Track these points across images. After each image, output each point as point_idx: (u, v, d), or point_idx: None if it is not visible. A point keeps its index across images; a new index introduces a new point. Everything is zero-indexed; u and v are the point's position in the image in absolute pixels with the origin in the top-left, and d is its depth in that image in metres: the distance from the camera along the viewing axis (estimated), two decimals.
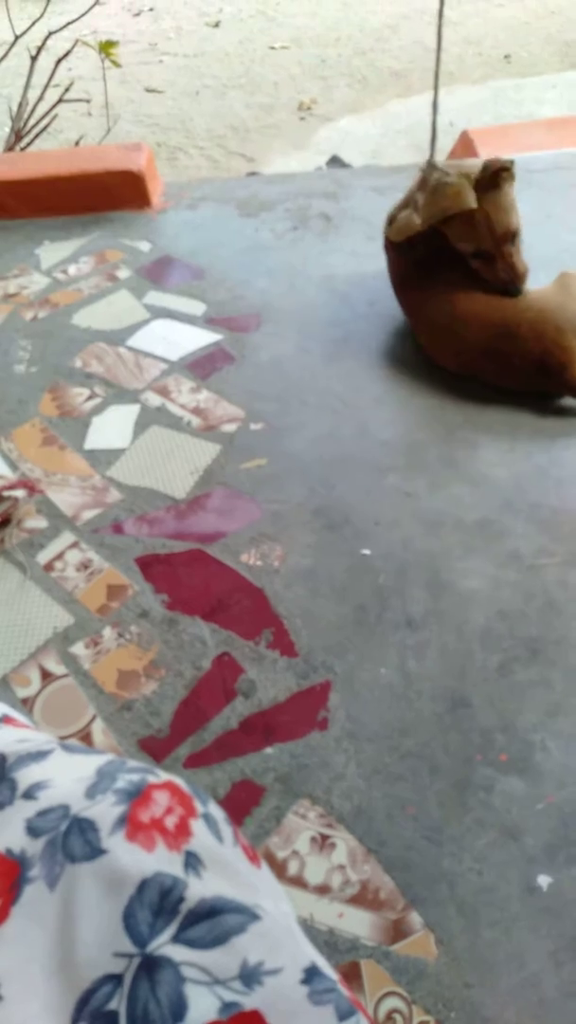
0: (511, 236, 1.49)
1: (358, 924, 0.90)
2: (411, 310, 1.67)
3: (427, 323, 1.62)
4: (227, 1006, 0.45)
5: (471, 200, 1.45)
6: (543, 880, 0.93)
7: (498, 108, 4.18)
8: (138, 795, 0.56)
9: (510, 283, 1.51)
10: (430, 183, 1.50)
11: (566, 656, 1.15)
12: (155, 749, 1.07)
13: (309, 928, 0.90)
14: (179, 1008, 0.45)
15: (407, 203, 1.60)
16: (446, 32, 5.01)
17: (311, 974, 0.49)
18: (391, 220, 1.64)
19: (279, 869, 0.95)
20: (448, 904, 0.92)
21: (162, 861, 0.51)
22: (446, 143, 3.66)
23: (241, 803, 1.01)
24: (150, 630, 1.22)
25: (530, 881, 0.93)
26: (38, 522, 1.38)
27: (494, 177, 1.45)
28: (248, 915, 0.50)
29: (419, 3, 5.36)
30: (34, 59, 2.79)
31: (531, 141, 2.41)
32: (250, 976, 0.47)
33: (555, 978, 0.85)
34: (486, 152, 2.37)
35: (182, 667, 1.17)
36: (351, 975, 0.86)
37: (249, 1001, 0.46)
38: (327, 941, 0.89)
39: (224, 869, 0.55)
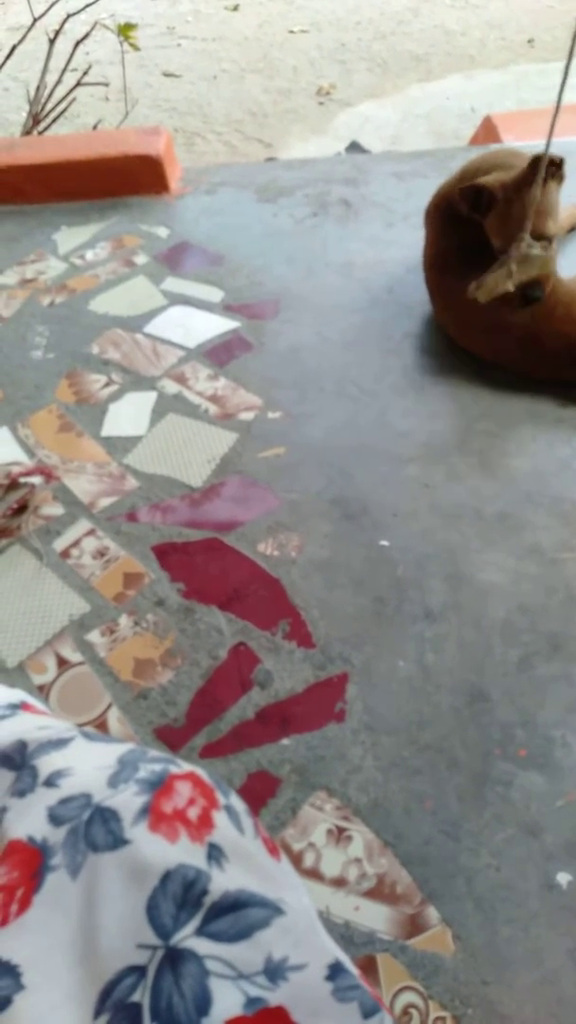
0: (543, 240, 1.40)
1: (375, 918, 0.90)
2: (443, 293, 1.62)
3: (459, 307, 1.58)
4: (252, 1001, 0.45)
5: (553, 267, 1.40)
6: (562, 878, 0.92)
7: (521, 93, 4.11)
8: (160, 785, 0.56)
9: (530, 289, 1.43)
10: (520, 252, 1.42)
11: None
12: (171, 738, 1.07)
13: (325, 920, 0.90)
14: (203, 1002, 0.44)
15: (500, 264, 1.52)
16: (467, 16, 4.93)
17: (335, 971, 0.48)
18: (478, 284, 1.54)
19: (295, 860, 0.94)
20: (466, 900, 0.91)
21: (185, 853, 0.51)
22: (467, 129, 3.61)
23: (257, 794, 1.01)
24: (166, 619, 1.21)
25: (549, 878, 0.92)
26: (54, 509, 1.37)
27: (536, 172, 1.35)
28: (272, 909, 0.49)
29: None
30: (52, 42, 2.76)
31: (558, 127, 2.36)
32: (275, 971, 0.47)
33: (574, 976, 0.84)
34: (510, 137, 2.33)
35: (198, 656, 1.16)
36: (367, 969, 0.85)
37: (274, 997, 0.45)
38: (343, 934, 0.88)
39: (247, 862, 0.54)
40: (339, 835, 0.97)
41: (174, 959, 0.47)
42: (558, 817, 0.97)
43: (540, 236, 1.39)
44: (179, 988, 0.45)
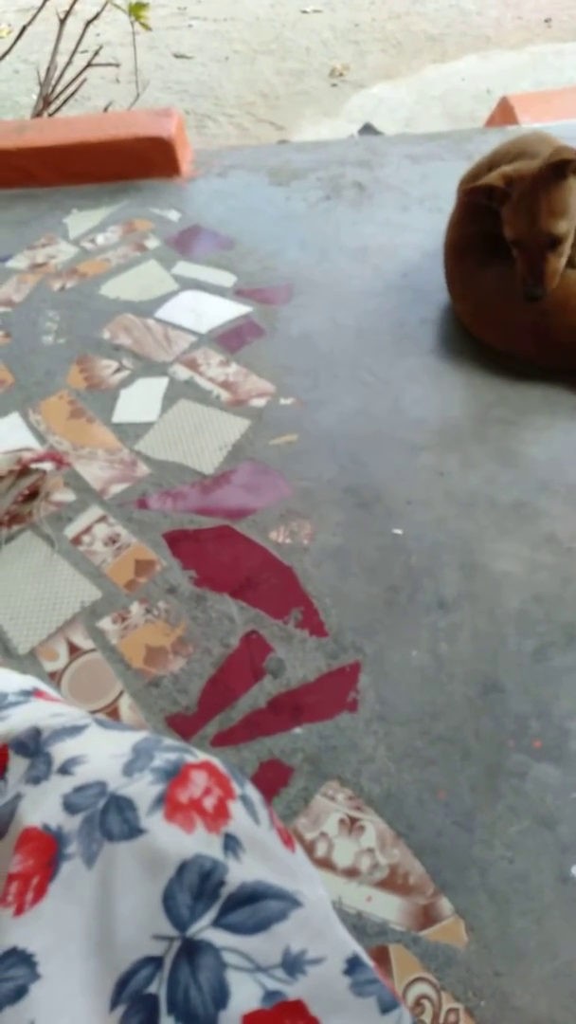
0: (551, 240, 1.36)
1: (387, 908, 0.89)
2: (463, 275, 1.59)
3: (476, 291, 1.56)
4: (270, 995, 0.44)
5: None
6: None
7: (538, 74, 4.04)
8: (176, 775, 0.55)
9: (531, 286, 1.40)
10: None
11: None
12: (183, 726, 1.07)
13: (338, 910, 0.89)
14: (221, 994, 0.44)
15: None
16: None
17: (353, 964, 0.47)
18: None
19: (308, 850, 0.94)
20: (479, 891, 0.90)
21: (201, 843, 0.50)
22: (483, 110, 3.55)
23: (269, 783, 1.00)
24: (178, 606, 1.20)
25: (563, 871, 0.91)
26: (66, 495, 1.37)
27: (555, 168, 1.32)
28: (289, 901, 0.49)
29: None
30: (62, 23, 2.73)
31: (574, 108, 2.32)
32: (293, 965, 0.46)
33: None
34: (527, 119, 2.29)
35: (210, 644, 1.16)
36: (380, 959, 0.85)
37: (292, 991, 0.45)
38: (356, 924, 0.88)
39: (263, 853, 0.53)
40: (351, 825, 0.96)
41: (191, 951, 0.46)
42: (573, 809, 0.96)
43: (548, 235, 1.36)
44: (196, 980, 0.45)
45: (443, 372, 1.56)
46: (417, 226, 1.92)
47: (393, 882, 0.91)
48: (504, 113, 2.44)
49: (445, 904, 0.89)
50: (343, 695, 1.09)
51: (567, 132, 2.14)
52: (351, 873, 0.92)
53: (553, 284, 1.41)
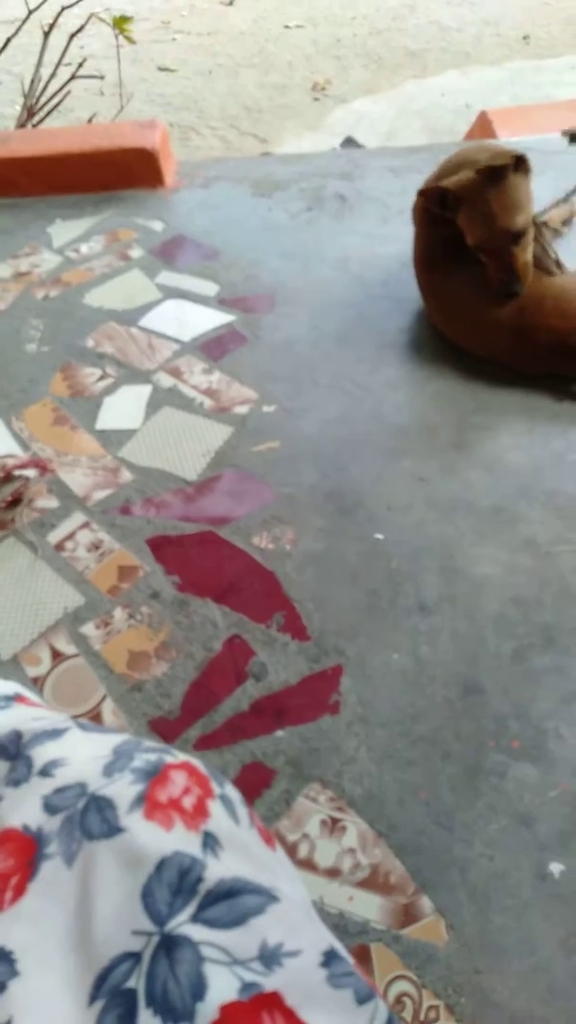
0: (512, 236, 1.39)
1: (368, 907, 0.90)
2: (433, 287, 1.62)
3: (449, 300, 1.59)
4: (247, 986, 0.45)
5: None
6: (555, 867, 0.92)
7: (516, 90, 4.11)
8: (156, 774, 0.56)
9: (506, 284, 1.43)
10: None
11: None
12: (165, 730, 1.07)
13: (320, 911, 0.90)
14: (199, 987, 0.44)
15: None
16: (462, 12, 4.93)
17: (330, 957, 0.48)
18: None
19: (289, 851, 0.95)
20: (459, 889, 0.91)
21: (180, 840, 0.51)
22: (462, 125, 3.61)
23: (252, 785, 1.01)
24: (161, 611, 1.21)
25: (542, 868, 0.92)
26: (49, 502, 1.37)
27: (498, 170, 1.36)
28: (267, 896, 0.50)
29: None
30: (47, 35, 2.75)
31: (550, 122, 2.37)
32: (270, 957, 0.47)
33: (566, 965, 0.85)
34: (505, 133, 2.33)
35: (193, 649, 1.16)
36: (361, 958, 0.86)
37: (269, 982, 0.45)
38: (337, 924, 0.88)
39: (242, 850, 0.54)
40: (333, 826, 0.97)
41: (169, 945, 0.47)
42: (551, 807, 0.97)
43: (508, 232, 1.39)
44: (174, 974, 0.46)
45: (422, 379, 1.58)
46: (398, 237, 1.95)
47: (374, 881, 0.92)
48: (483, 127, 2.48)
49: (426, 902, 0.90)
50: (325, 698, 1.10)
51: (544, 145, 2.19)
52: (333, 873, 0.93)
53: (527, 278, 1.44)
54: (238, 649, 1.16)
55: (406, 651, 1.15)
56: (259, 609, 1.21)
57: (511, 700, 1.08)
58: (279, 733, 1.06)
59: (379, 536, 1.30)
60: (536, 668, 1.11)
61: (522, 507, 1.33)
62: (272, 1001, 0.44)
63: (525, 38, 4.61)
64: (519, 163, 1.38)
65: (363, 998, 0.47)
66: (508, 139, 2.28)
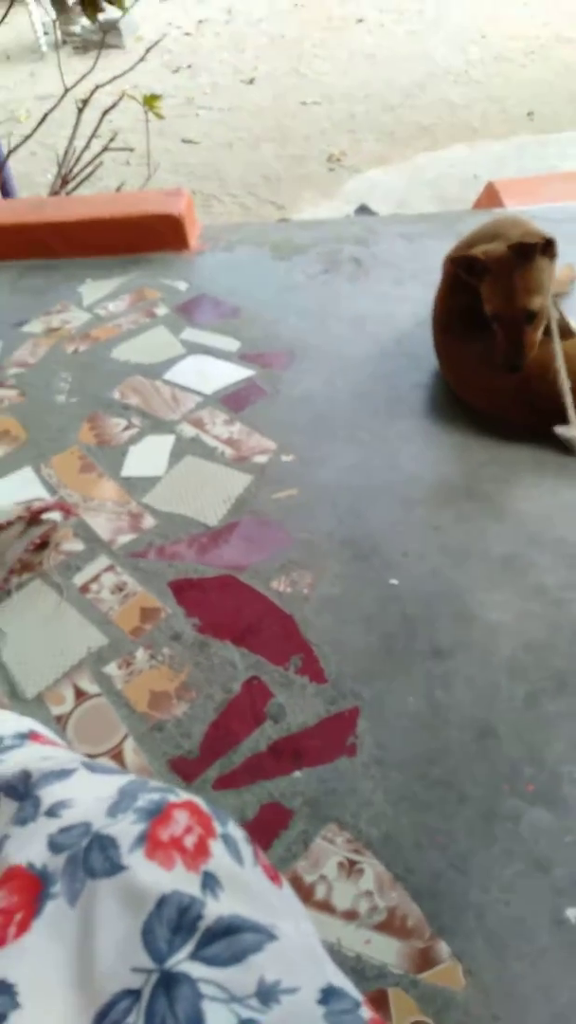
0: (527, 314, 1.45)
1: (385, 951, 0.90)
2: (448, 348, 1.70)
3: (462, 363, 1.66)
4: (244, 1023, 0.46)
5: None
6: (571, 913, 0.92)
7: (522, 162, 4.30)
8: (158, 813, 0.57)
9: (511, 357, 1.49)
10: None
11: None
12: (185, 770, 1.09)
13: (336, 953, 0.90)
14: (196, 1023, 0.45)
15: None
16: (469, 91, 5.19)
17: (328, 994, 0.49)
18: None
19: (306, 893, 0.95)
20: (476, 935, 0.91)
21: (179, 880, 0.52)
22: (471, 194, 3.77)
23: (269, 826, 1.02)
24: (182, 652, 1.24)
25: (558, 914, 0.92)
26: (75, 545, 1.42)
27: (528, 248, 1.43)
28: (265, 934, 0.50)
29: (444, 63, 5.57)
30: (81, 111, 2.93)
31: (554, 193, 2.49)
32: (267, 994, 0.47)
33: None
34: (511, 203, 2.45)
35: (212, 690, 1.19)
36: (378, 1003, 0.85)
37: (266, 1019, 0.46)
38: (354, 967, 0.89)
39: (242, 891, 0.55)
40: (350, 868, 0.98)
41: (168, 983, 0.47)
42: (567, 853, 0.98)
43: (525, 311, 1.45)
44: (173, 1011, 0.46)
45: (436, 433, 1.63)
46: (410, 298, 2.04)
47: (391, 925, 0.92)
48: (490, 197, 2.60)
49: (443, 947, 0.90)
50: (342, 740, 1.12)
51: (548, 214, 2.29)
52: (350, 916, 0.93)
53: (531, 356, 1.49)
54: (257, 690, 1.18)
55: (421, 695, 1.17)
56: (277, 651, 1.23)
57: (525, 744, 1.09)
58: (297, 774, 1.08)
59: (394, 582, 1.34)
60: (549, 713, 1.13)
61: (533, 555, 1.36)
62: None
63: (530, 114, 4.84)
64: (548, 246, 1.44)
65: None
66: (515, 207, 2.40)
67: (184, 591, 1.33)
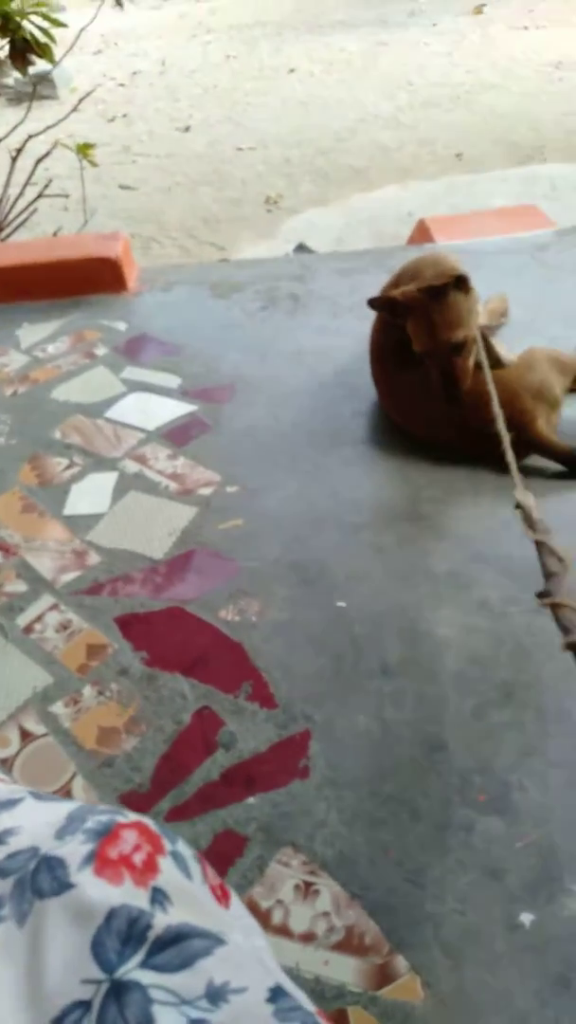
0: (452, 347, 1.50)
1: (344, 971, 0.90)
2: (385, 378, 1.75)
3: (399, 392, 1.71)
4: (193, 1023, 0.46)
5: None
6: (525, 918, 0.93)
7: (453, 200, 4.49)
8: (107, 834, 0.57)
9: (446, 391, 1.53)
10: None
11: (538, 698, 1.18)
12: (137, 804, 1.07)
13: (295, 977, 0.89)
14: None
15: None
16: (399, 134, 5.41)
17: (276, 994, 0.50)
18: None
19: (263, 919, 0.95)
20: (433, 946, 0.92)
21: (129, 895, 0.52)
22: (405, 231, 3.91)
23: (224, 854, 1.01)
24: (130, 687, 1.23)
25: (512, 919, 0.94)
26: (17, 586, 1.40)
27: (439, 289, 1.47)
28: (214, 940, 0.51)
29: (374, 109, 5.81)
30: (14, 159, 2.97)
31: (482, 228, 2.61)
32: (216, 995, 0.48)
33: (541, 1016, 0.85)
34: (442, 238, 2.56)
35: (162, 722, 1.18)
36: (339, 1022, 0.85)
37: (215, 1018, 0.47)
38: (313, 990, 0.88)
39: (192, 904, 0.55)
40: (306, 890, 0.97)
41: (119, 991, 0.48)
42: (518, 859, 0.99)
43: (449, 344, 1.50)
44: (123, 1016, 0.47)
45: (376, 459, 1.68)
46: (348, 331, 2.10)
47: (349, 944, 0.92)
48: (422, 233, 2.72)
49: (401, 962, 0.90)
50: (294, 763, 1.12)
51: (478, 248, 2.40)
52: (308, 938, 0.93)
53: (466, 384, 1.54)
54: (207, 720, 1.18)
55: (371, 713, 1.18)
56: (227, 680, 1.24)
57: (474, 755, 1.11)
58: (250, 800, 1.07)
59: (341, 604, 1.36)
60: (496, 723, 1.15)
61: (475, 572, 1.40)
62: None
63: (458, 155, 5.07)
64: (459, 282, 1.50)
65: None
66: (445, 242, 2.50)
67: (131, 625, 1.33)
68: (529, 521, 1.10)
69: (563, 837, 1.01)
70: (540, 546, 1.02)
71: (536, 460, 1.61)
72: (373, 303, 1.59)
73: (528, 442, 1.57)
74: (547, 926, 0.92)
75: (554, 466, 1.59)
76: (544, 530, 1.09)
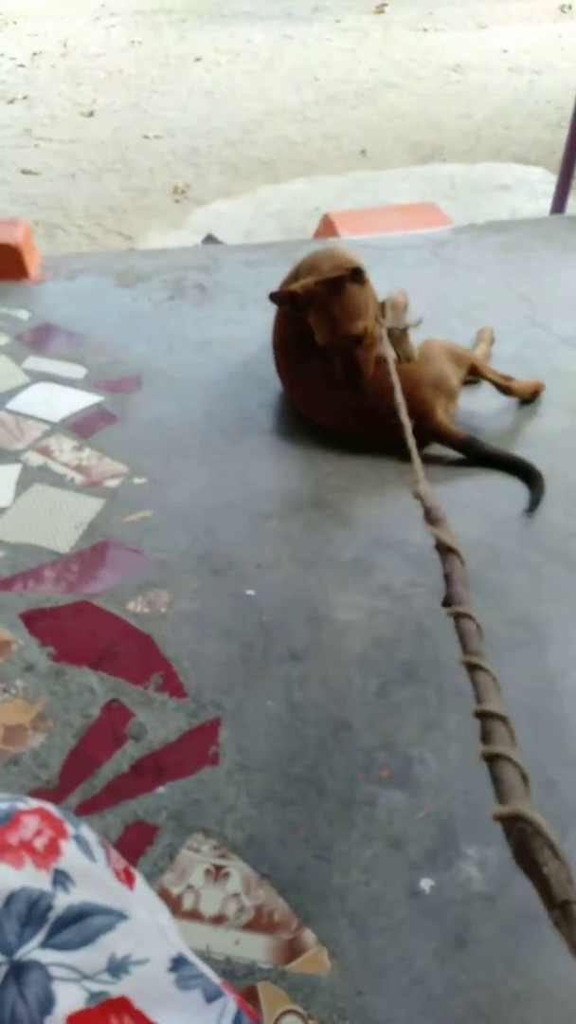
0: (353, 339, 1.55)
1: (254, 948, 0.92)
2: (288, 370, 1.78)
3: (303, 383, 1.74)
4: (94, 996, 0.47)
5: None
6: (425, 883, 0.98)
7: (358, 196, 4.56)
8: (6, 821, 0.57)
9: (348, 380, 1.58)
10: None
11: (438, 675, 1.24)
12: (45, 800, 1.06)
13: (206, 959, 0.91)
14: (47, 1003, 0.46)
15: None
16: (305, 128, 5.45)
17: (178, 963, 0.51)
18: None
19: (174, 905, 0.96)
20: (339, 918, 0.95)
21: (29, 878, 0.52)
22: (313, 224, 3.96)
23: (134, 845, 1.02)
24: (36, 683, 1.21)
25: (413, 886, 0.98)
26: None
27: (335, 281, 1.51)
28: (116, 915, 0.52)
29: (280, 103, 5.82)
30: None
31: (385, 223, 2.67)
32: (117, 967, 0.49)
33: (440, 975, 0.90)
34: (346, 232, 2.61)
35: (70, 717, 1.17)
36: (249, 999, 0.87)
37: (116, 989, 0.48)
38: (224, 970, 0.90)
39: (95, 884, 0.56)
40: (217, 873, 0.99)
41: (18, 971, 0.48)
42: (419, 828, 1.04)
43: (349, 336, 1.54)
44: (23, 996, 0.47)
45: (283, 448, 1.70)
46: (254, 322, 2.11)
47: (259, 922, 0.94)
48: (327, 227, 2.76)
49: (309, 935, 0.93)
50: (204, 750, 1.13)
51: (379, 243, 2.46)
52: (218, 920, 0.95)
53: (368, 374, 1.59)
54: (116, 712, 1.18)
55: (280, 698, 1.21)
56: (136, 672, 1.23)
57: (378, 733, 1.16)
58: (160, 790, 1.08)
59: (250, 592, 1.37)
60: (399, 701, 1.20)
61: (377, 557, 1.45)
62: (120, 1005, 0.47)
63: (363, 152, 5.15)
64: (355, 274, 1.54)
65: (211, 996, 0.50)
66: (348, 237, 2.55)
67: (36, 621, 1.30)
68: (427, 512, 1.14)
69: (460, 805, 1.07)
70: (439, 546, 1.06)
71: (436, 448, 1.68)
72: (274, 297, 1.61)
73: (428, 431, 1.63)
74: (445, 890, 0.98)
75: (452, 453, 1.66)
76: (440, 518, 1.13)
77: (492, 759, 0.66)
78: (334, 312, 1.52)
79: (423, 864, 1.00)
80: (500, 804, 0.62)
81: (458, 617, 0.88)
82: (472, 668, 0.79)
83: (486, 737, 0.70)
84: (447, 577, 0.95)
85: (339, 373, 1.60)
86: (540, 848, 0.55)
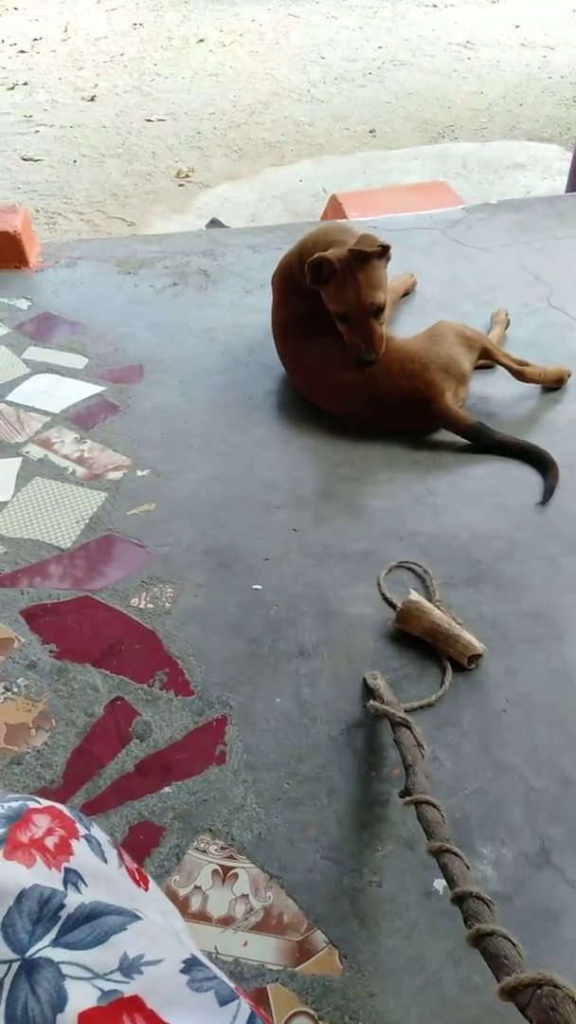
0: (374, 309, 1.55)
1: (263, 950, 0.90)
2: (291, 355, 1.75)
3: (307, 368, 1.71)
4: (106, 994, 0.46)
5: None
6: (439, 884, 0.96)
7: (367, 177, 4.49)
8: (18, 819, 0.56)
9: (364, 351, 1.56)
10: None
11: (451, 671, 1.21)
12: None
13: (214, 961, 0.89)
14: (59, 1001, 0.45)
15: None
16: (312, 109, 5.36)
17: (191, 964, 0.50)
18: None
19: (181, 907, 0.94)
20: (350, 919, 0.93)
21: (40, 876, 0.52)
22: (320, 207, 3.89)
23: (140, 845, 1.00)
24: (39, 681, 1.19)
25: (427, 886, 0.96)
26: None
27: (359, 255, 1.51)
28: (128, 916, 0.51)
29: (287, 83, 5.73)
30: None
31: (394, 204, 2.61)
32: (129, 967, 0.48)
33: (453, 976, 0.88)
34: (355, 214, 2.55)
35: (74, 716, 1.15)
36: (258, 1000, 0.85)
37: (129, 988, 0.47)
38: (232, 971, 0.88)
39: (106, 884, 0.55)
40: (225, 874, 0.97)
41: (30, 969, 0.48)
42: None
43: (371, 304, 1.54)
44: (35, 993, 0.46)
45: (290, 438, 1.67)
46: (260, 308, 2.07)
47: (268, 924, 0.92)
48: (335, 209, 2.70)
49: (319, 937, 0.91)
50: (211, 749, 1.11)
51: (387, 224, 2.41)
52: (226, 921, 0.93)
53: (381, 349, 1.57)
54: (120, 711, 1.16)
55: (288, 695, 1.18)
56: (140, 669, 1.21)
57: (389, 731, 1.13)
58: (166, 790, 1.06)
59: (257, 587, 1.35)
60: (411, 697, 1.17)
61: (389, 548, 1.41)
62: (133, 1004, 0.46)
63: (372, 132, 5.06)
64: (384, 250, 1.54)
65: (225, 999, 0.49)
66: (357, 219, 2.50)
67: (38, 617, 1.28)
68: (384, 710, 1.08)
69: (474, 804, 1.04)
70: (396, 730, 1.03)
71: (446, 434, 1.64)
72: (311, 265, 1.57)
73: (435, 414, 1.59)
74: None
75: (462, 440, 1.62)
76: (391, 703, 1.09)
77: (483, 937, 0.68)
78: (359, 280, 1.52)
79: (436, 865, 0.98)
80: (507, 977, 0.62)
81: (419, 806, 0.87)
82: (440, 853, 0.80)
83: (473, 918, 0.71)
84: (408, 768, 0.94)
85: (352, 346, 1.57)
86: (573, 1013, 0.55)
